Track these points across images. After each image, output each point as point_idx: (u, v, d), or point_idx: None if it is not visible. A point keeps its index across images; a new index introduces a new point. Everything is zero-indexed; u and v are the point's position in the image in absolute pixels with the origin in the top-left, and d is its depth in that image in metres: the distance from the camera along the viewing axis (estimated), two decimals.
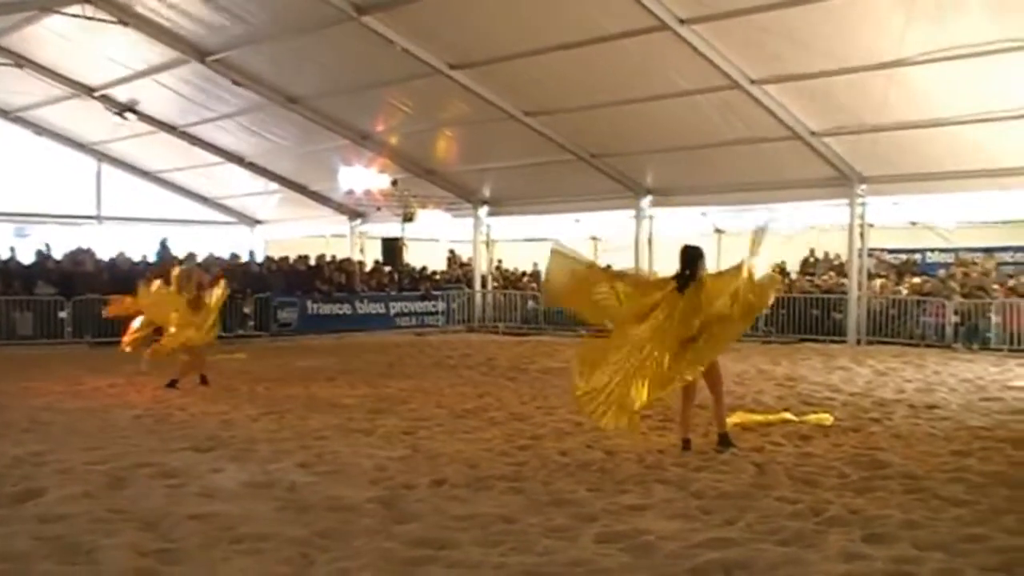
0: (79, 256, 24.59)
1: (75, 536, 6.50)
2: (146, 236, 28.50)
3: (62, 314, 21.81)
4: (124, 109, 25.76)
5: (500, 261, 33.04)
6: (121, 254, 25.33)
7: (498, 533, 6.67)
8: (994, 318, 21.16)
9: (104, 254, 25.37)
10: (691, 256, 9.71)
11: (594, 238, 33.82)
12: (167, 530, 6.70)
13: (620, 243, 28.85)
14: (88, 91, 25.29)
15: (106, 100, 25.59)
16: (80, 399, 13.50)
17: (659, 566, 5.94)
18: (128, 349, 15.81)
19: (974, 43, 15.53)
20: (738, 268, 9.31)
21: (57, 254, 24.52)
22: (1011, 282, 22.71)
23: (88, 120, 27.47)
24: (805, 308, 23.63)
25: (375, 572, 5.79)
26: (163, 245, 25.37)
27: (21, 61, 23.86)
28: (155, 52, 22.17)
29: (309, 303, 25.76)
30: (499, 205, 28.85)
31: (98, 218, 30.93)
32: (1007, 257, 26.04)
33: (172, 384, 14.42)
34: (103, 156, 30.60)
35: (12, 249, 24.33)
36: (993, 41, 15.36)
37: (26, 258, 23.99)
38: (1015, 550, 6.15)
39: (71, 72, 24.64)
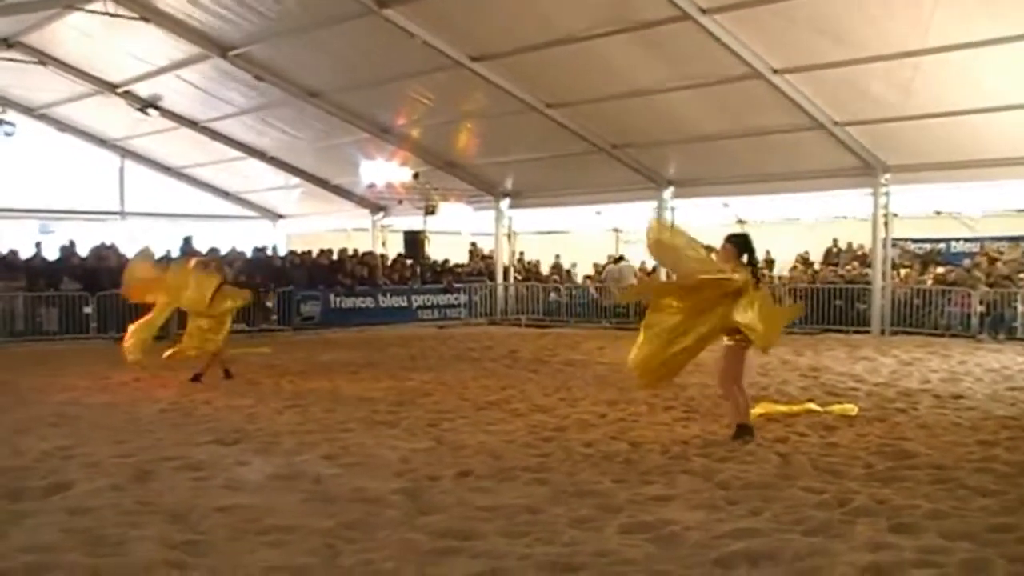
0: (103, 252, 24.72)
1: (103, 528, 6.54)
2: (169, 231, 28.64)
3: (87, 309, 21.93)
4: (146, 105, 25.87)
5: (522, 253, 33.07)
6: (145, 249, 25.39)
7: (523, 524, 6.67)
8: (1020, 307, 21.03)
9: (128, 249, 25.45)
10: (746, 242, 9.82)
11: (616, 230, 33.87)
12: (194, 522, 6.73)
13: (642, 235, 28.79)
14: (110, 87, 25.41)
15: (128, 96, 25.71)
16: (106, 393, 13.56)
17: (684, 557, 5.93)
18: (130, 357, 14.87)
19: (999, 31, 15.44)
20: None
21: (81, 250, 24.63)
22: None
23: (111, 116, 27.62)
24: (829, 298, 23.52)
25: (400, 563, 5.80)
26: (187, 241, 25.45)
27: (44, 58, 23.98)
28: (176, 48, 22.25)
29: (332, 297, 25.83)
30: (521, 197, 28.85)
31: (122, 214, 31.11)
32: None
33: (196, 378, 14.48)
34: (126, 152, 30.78)
35: (37, 245, 24.45)
36: (1019, 30, 15.26)
37: (51, 254, 24.11)
38: None
39: (93, 69, 24.75)
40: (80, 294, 22.04)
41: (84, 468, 8.46)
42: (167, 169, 31.75)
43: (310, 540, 6.28)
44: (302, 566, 5.77)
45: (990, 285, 22.08)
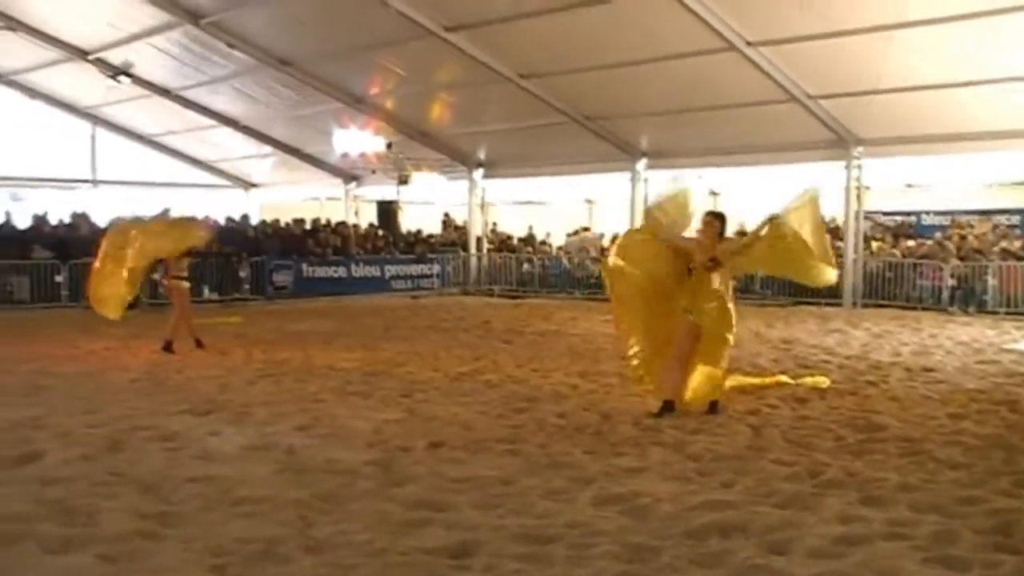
0: (75, 220, 24.49)
1: (75, 498, 6.52)
2: (142, 199, 28.37)
3: (58, 278, 21.73)
4: (118, 72, 25.56)
5: (495, 224, 33.03)
6: (117, 218, 25.19)
7: (496, 495, 6.70)
8: (991, 280, 21.18)
9: (100, 218, 25.20)
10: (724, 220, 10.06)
11: (589, 201, 33.88)
12: (166, 493, 6.72)
13: (615, 205, 28.85)
14: (82, 54, 25.07)
15: (100, 63, 25.39)
16: (77, 363, 13.49)
17: (656, 528, 5.97)
18: (111, 316, 14.98)
19: (971, 6, 15.47)
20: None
21: (53, 218, 24.40)
22: (1003, 243, 22.74)
23: (82, 84, 27.27)
24: None
25: (373, 534, 5.82)
26: (165, 212, 25.23)
27: (14, 24, 23.61)
28: (149, 14, 21.93)
29: (304, 266, 25.72)
30: (494, 168, 28.76)
31: (93, 182, 30.84)
32: (1003, 220, 26.05)
33: (167, 347, 14.42)
34: (98, 120, 30.48)
35: (7, 214, 24.18)
36: (991, 5, 15.31)
37: (21, 223, 23.88)
38: (1010, 512, 6.20)
39: (65, 35, 24.42)
40: (51, 263, 21.84)
41: (55, 438, 8.43)
42: (139, 137, 31.46)
43: (283, 511, 6.28)
44: (275, 537, 5.77)
45: (961, 258, 22.23)
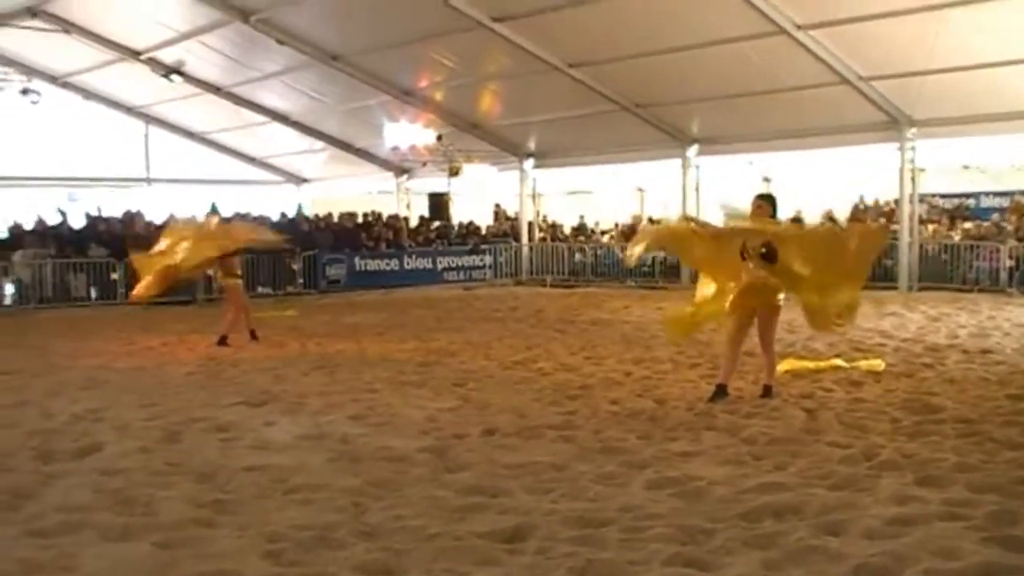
0: (127, 218, 24.79)
1: (133, 489, 6.62)
2: (195, 197, 28.66)
3: (114, 275, 22.04)
4: (170, 71, 25.86)
5: (546, 214, 33.02)
6: (171, 215, 25.45)
7: (549, 480, 6.70)
8: None
9: (154, 216, 25.51)
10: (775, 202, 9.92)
11: (640, 189, 33.74)
12: (222, 482, 6.80)
13: (666, 193, 28.71)
14: (134, 54, 25.40)
15: (152, 63, 25.69)
16: (134, 358, 13.68)
17: (710, 511, 5.94)
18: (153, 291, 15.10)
19: None
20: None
21: (106, 215, 24.75)
22: None
23: (135, 83, 27.65)
24: None
25: (428, 520, 5.84)
26: (213, 208, 25.50)
27: (68, 26, 23.96)
28: (199, 13, 22.20)
29: (357, 259, 25.89)
30: (544, 158, 28.75)
31: (147, 180, 31.25)
32: None
33: (222, 341, 14.56)
34: (151, 119, 30.86)
35: (63, 214, 24.51)
36: None
37: (77, 223, 24.23)
38: None
39: (117, 36, 24.76)
40: (108, 260, 22.15)
41: (114, 430, 8.56)
42: (192, 135, 31.85)
43: (337, 498, 6.33)
44: (329, 523, 5.81)
45: (1019, 239, 21.89)
